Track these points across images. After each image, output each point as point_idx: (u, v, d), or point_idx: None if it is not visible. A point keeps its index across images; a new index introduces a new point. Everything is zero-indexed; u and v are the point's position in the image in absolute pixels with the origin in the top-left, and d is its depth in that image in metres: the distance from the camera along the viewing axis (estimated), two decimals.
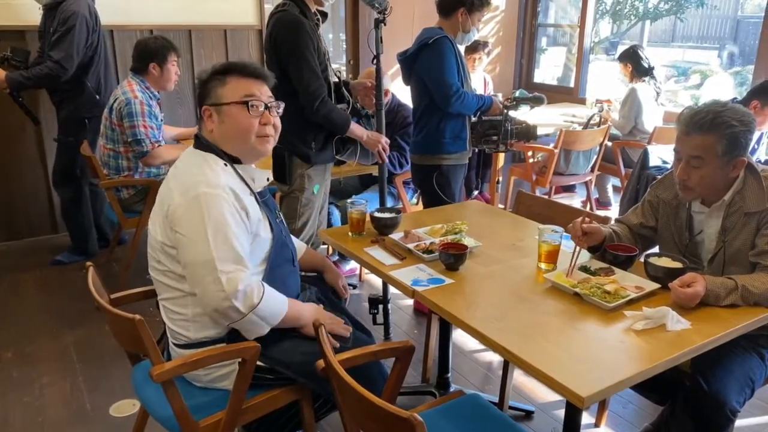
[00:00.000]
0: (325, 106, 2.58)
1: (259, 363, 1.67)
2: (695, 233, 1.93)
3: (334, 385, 1.44)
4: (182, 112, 4.38)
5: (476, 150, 3.39)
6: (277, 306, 1.71)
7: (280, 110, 1.81)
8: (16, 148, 4.02)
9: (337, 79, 2.80)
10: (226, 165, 1.72)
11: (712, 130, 1.73)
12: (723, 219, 1.85)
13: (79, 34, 3.37)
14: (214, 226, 1.59)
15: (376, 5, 2.62)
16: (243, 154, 1.77)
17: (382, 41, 2.71)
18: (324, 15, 2.69)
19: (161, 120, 3.45)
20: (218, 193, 1.62)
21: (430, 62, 2.89)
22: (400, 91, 3.70)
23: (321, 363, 1.51)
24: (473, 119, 3.07)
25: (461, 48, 3.07)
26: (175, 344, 1.77)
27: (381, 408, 1.20)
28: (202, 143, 1.76)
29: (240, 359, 1.63)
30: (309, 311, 1.80)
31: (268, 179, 1.84)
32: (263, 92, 1.76)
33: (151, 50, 3.34)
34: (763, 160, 3.50)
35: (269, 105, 1.76)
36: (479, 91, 5.04)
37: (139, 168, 3.39)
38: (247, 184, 1.75)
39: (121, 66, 4.17)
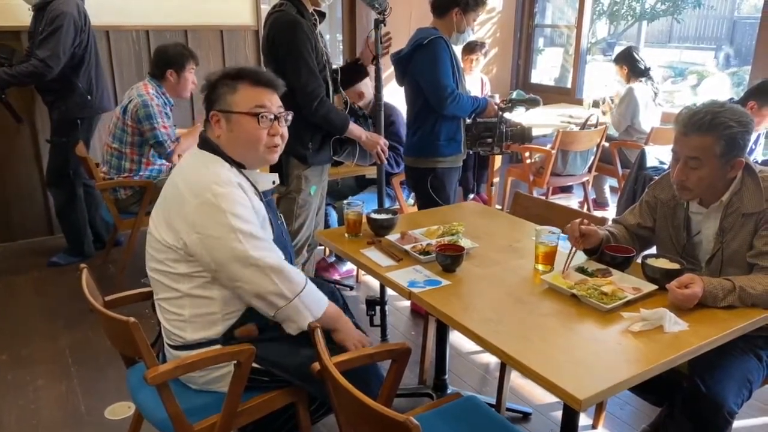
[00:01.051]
0: (324, 106, 2.56)
1: (254, 365, 1.66)
2: (693, 234, 1.93)
3: (330, 388, 1.43)
4: (178, 112, 4.36)
5: (470, 152, 3.36)
6: (319, 296, 1.75)
7: (289, 120, 1.82)
8: (11, 149, 4.00)
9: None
10: (231, 167, 1.73)
11: (710, 130, 1.73)
12: (721, 220, 1.84)
13: (67, 34, 3.36)
14: (235, 221, 1.61)
15: (376, 5, 2.61)
16: (249, 162, 1.78)
17: (381, 42, 2.70)
18: (321, 15, 2.68)
19: (174, 125, 3.44)
20: (231, 190, 1.64)
21: (425, 63, 2.86)
22: (393, 92, 3.67)
23: (316, 365, 1.50)
24: (468, 121, 3.04)
25: (456, 48, 3.05)
26: (170, 345, 1.76)
27: (376, 411, 1.19)
28: (207, 145, 1.75)
29: (235, 362, 1.62)
30: (345, 317, 1.83)
31: (274, 182, 1.85)
32: (273, 102, 1.77)
33: (170, 57, 3.33)
34: (760, 161, 3.49)
35: (278, 116, 1.76)
36: (477, 92, 5.03)
37: (140, 171, 3.38)
38: (252, 184, 1.76)
39: (116, 67, 4.15)
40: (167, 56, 3.33)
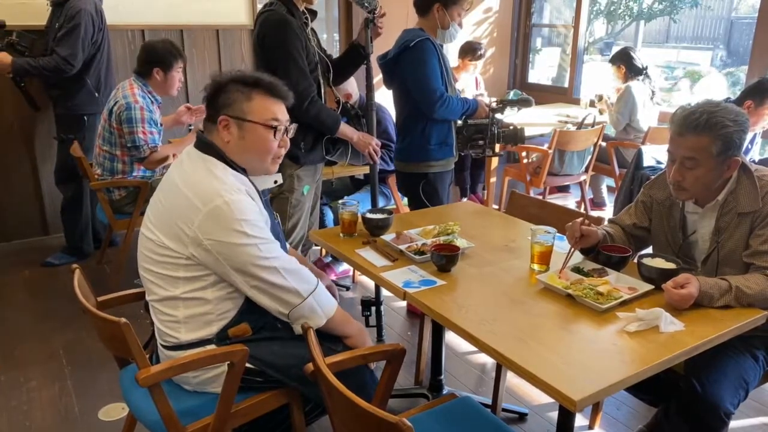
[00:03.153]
0: (315, 106, 2.55)
1: (248, 365, 1.65)
2: (689, 233, 1.92)
3: (323, 389, 1.42)
4: (172, 112, 4.34)
5: (462, 154, 3.33)
6: (329, 297, 1.77)
7: (292, 132, 1.83)
8: (4, 148, 3.98)
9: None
10: (235, 172, 1.71)
11: (705, 130, 1.72)
12: (717, 219, 1.83)
13: (85, 32, 3.38)
14: (249, 227, 1.61)
15: (365, 4, 2.60)
16: (253, 169, 1.77)
17: (372, 41, 2.68)
18: (313, 13, 2.65)
19: (161, 125, 3.41)
20: (241, 197, 1.64)
21: (412, 66, 2.78)
22: (383, 93, 3.63)
23: (309, 366, 1.48)
24: (458, 123, 2.97)
25: (451, 47, 3.00)
26: (163, 346, 1.75)
27: (369, 412, 1.18)
28: (210, 148, 1.72)
29: (229, 362, 1.61)
30: (356, 322, 1.84)
31: (276, 182, 1.87)
32: (284, 114, 1.78)
33: (158, 55, 3.28)
34: (757, 161, 3.49)
35: (287, 128, 1.78)
36: (471, 91, 5.02)
37: (133, 172, 3.36)
38: (253, 185, 1.76)
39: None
40: (155, 54, 3.29)
